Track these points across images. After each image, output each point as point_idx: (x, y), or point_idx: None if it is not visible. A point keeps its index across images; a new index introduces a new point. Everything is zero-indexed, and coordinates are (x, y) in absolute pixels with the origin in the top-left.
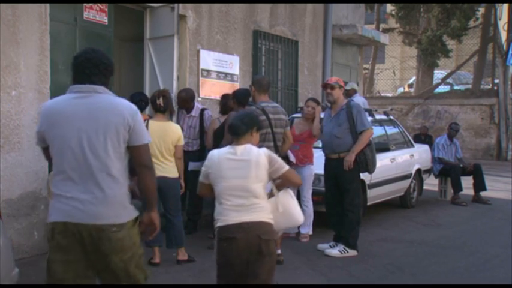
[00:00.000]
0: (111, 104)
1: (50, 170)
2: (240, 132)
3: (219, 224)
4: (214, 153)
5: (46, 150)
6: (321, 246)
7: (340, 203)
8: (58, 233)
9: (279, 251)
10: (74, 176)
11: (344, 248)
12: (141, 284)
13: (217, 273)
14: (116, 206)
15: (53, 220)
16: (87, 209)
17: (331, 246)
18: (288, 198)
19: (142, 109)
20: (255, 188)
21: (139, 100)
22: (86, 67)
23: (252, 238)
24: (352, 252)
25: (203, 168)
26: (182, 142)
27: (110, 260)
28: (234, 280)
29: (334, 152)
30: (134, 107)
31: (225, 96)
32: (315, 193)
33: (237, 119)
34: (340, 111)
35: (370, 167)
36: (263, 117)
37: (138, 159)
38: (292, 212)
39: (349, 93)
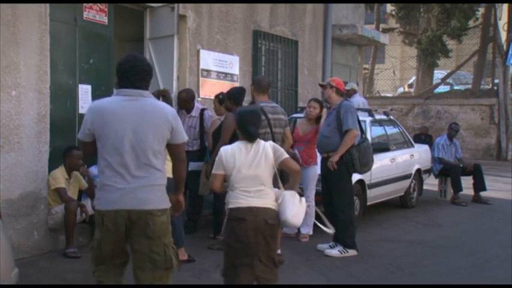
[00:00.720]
0: (157, 107)
1: (50, 170)
2: (257, 135)
3: (230, 206)
4: (228, 148)
5: (88, 145)
6: (320, 246)
7: (332, 203)
8: (109, 220)
9: (279, 251)
10: (124, 169)
11: (344, 248)
12: (141, 284)
13: (225, 250)
14: (159, 194)
15: (104, 209)
16: (137, 196)
17: (331, 247)
18: (292, 196)
19: None
20: (265, 176)
21: None
22: (130, 74)
23: (259, 221)
24: (352, 252)
25: (217, 161)
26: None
27: (153, 244)
28: (239, 257)
29: (324, 151)
30: (174, 110)
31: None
32: (315, 193)
33: (251, 124)
34: (333, 111)
35: (357, 167)
36: (262, 117)
37: (176, 155)
38: (285, 208)
39: (349, 93)
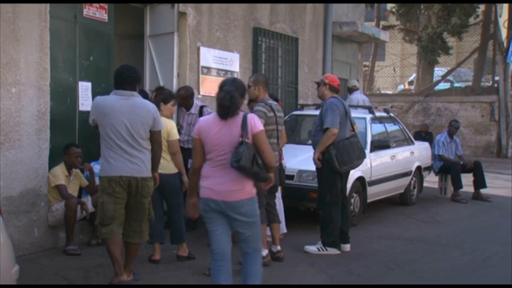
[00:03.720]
0: (143, 104)
1: (50, 167)
2: None
3: None
4: None
5: (96, 128)
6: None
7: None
8: (114, 182)
9: (278, 248)
10: (123, 148)
11: (322, 246)
12: (140, 284)
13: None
14: (147, 166)
15: (110, 174)
16: (135, 167)
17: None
18: None
19: None
20: None
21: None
22: (119, 79)
23: None
24: (332, 251)
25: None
26: (174, 137)
27: (144, 201)
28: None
29: (314, 149)
30: (154, 105)
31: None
32: (312, 190)
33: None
34: (321, 109)
35: (336, 165)
36: (271, 114)
37: (155, 140)
38: None
39: (350, 90)
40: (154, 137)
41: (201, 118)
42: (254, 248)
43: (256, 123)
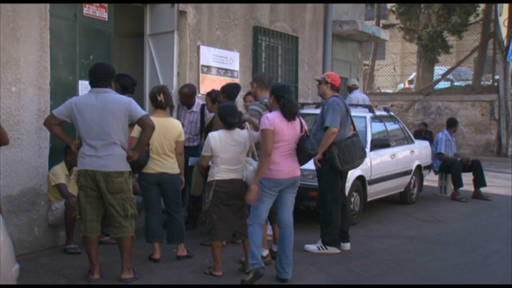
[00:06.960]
0: (115, 99)
1: (50, 166)
2: (234, 124)
3: (216, 178)
4: (215, 134)
5: (56, 127)
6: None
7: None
8: (82, 176)
9: (266, 252)
10: (93, 143)
11: (322, 245)
12: (141, 284)
13: (210, 209)
14: (116, 161)
15: (79, 168)
16: (100, 162)
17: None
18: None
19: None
20: (242, 157)
21: (132, 84)
22: (93, 78)
23: (237, 189)
24: (332, 250)
25: (206, 144)
26: (183, 138)
27: (113, 197)
28: (224, 213)
29: None
30: (129, 98)
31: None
32: (312, 189)
33: (229, 115)
34: (322, 108)
35: (337, 165)
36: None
37: (143, 125)
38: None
39: (350, 89)
40: (141, 123)
41: (269, 114)
42: (290, 218)
43: (305, 123)
